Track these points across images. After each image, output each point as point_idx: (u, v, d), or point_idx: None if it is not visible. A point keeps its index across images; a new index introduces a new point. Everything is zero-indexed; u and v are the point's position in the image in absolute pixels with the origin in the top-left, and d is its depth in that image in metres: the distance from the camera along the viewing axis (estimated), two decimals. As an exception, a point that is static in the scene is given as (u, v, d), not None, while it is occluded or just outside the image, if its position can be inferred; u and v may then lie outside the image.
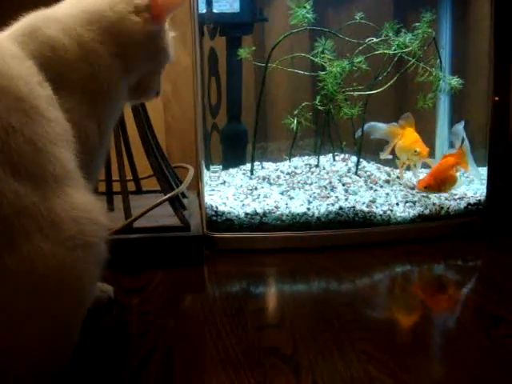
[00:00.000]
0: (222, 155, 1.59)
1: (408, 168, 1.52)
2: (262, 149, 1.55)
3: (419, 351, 0.90)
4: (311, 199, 1.39)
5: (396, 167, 1.54)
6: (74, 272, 0.74)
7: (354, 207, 1.37)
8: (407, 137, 1.48)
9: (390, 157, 1.51)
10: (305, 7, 1.34)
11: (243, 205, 1.38)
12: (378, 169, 1.52)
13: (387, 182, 1.47)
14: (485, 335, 0.93)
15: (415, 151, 1.46)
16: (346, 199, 1.39)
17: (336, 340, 0.92)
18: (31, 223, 0.70)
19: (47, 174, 0.73)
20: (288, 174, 1.48)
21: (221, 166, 1.59)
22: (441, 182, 1.42)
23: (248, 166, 1.53)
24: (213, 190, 1.46)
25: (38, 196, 0.72)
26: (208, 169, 1.45)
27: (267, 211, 1.35)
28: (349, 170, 1.48)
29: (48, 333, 0.74)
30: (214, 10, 1.45)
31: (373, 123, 1.49)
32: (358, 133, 1.50)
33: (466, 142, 1.43)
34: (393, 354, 0.88)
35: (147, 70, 0.94)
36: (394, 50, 1.37)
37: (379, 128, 1.50)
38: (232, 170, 1.55)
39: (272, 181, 1.46)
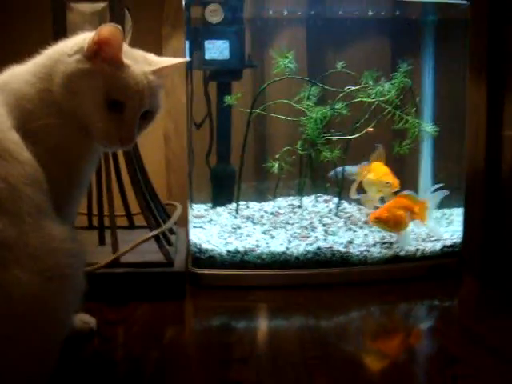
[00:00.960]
0: (211, 194, 1.65)
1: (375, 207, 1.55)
2: (248, 189, 1.61)
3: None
4: (291, 239, 1.45)
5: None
6: (50, 301, 0.81)
7: (331, 247, 1.43)
8: (376, 170, 1.51)
9: (359, 196, 1.55)
10: (287, 57, 1.43)
11: (226, 243, 1.44)
12: (359, 210, 1.58)
13: (366, 223, 1.53)
14: (440, 375, 0.98)
15: (387, 183, 1.49)
16: (325, 239, 1.45)
17: (297, 375, 0.98)
18: (9, 255, 0.77)
19: (22, 210, 0.81)
20: (271, 213, 1.55)
21: (210, 205, 1.65)
22: (392, 218, 1.44)
23: (235, 205, 1.59)
24: (200, 227, 1.53)
25: (15, 230, 0.79)
26: (191, 207, 1.51)
27: (248, 249, 1.42)
28: (330, 211, 1.54)
29: (23, 359, 0.79)
30: (206, 57, 1.53)
31: (346, 167, 1.54)
32: (331, 174, 1.56)
33: (436, 198, 1.47)
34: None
35: (85, 113, 0.91)
36: (373, 98, 1.44)
37: (352, 170, 1.54)
38: (219, 209, 1.61)
39: (255, 220, 1.53)
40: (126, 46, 0.96)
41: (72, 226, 1.00)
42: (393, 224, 1.45)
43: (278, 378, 0.97)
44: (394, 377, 1.00)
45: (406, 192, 1.48)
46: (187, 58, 1.01)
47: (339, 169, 1.54)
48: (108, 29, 0.90)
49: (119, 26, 0.90)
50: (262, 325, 1.26)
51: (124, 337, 1.16)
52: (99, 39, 0.90)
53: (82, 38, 0.94)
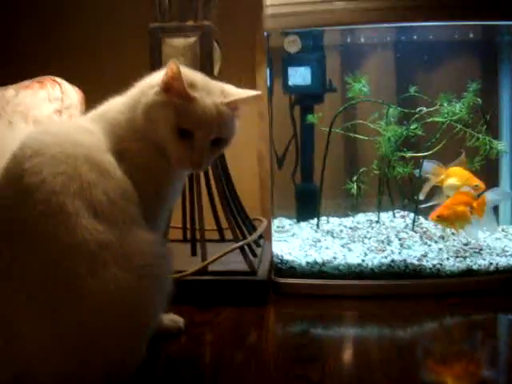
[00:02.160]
0: (295, 210, 1.77)
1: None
2: (330, 205, 1.71)
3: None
4: (367, 251, 1.54)
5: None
6: (141, 297, 0.96)
7: (405, 260, 1.50)
8: (459, 175, 1.55)
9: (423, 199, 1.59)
10: (360, 81, 1.53)
11: (306, 255, 1.55)
12: (436, 226, 1.64)
13: (442, 237, 1.59)
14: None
15: (476, 186, 1.53)
16: (400, 253, 1.52)
17: (359, 374, 1.07)
18: (108, 255, 0.92)
19: (118, 218, 0.96)
20: (350, 228, 1.64)
21: (295, 220, 1.77)
22: (453, 214, 1.49)
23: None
24: (285, 240, 1.65)
25: (113, 234, 0.94)
26: (273, 222, 1.63)
27: (326, 261, 1.52)
28: (406, 226, 1.62)
29: (116, 345, 0.94)
30: (289, 83, 1.65)
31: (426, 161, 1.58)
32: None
33: (495, 196, 1.52)
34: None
35: (161, 138, 1.04)
36: (445, 118, 1.51)
37: (426, 166, 1.58)
38: (302, 224, 1.73)
39: (335, 234, 1.63)
40: (204, 78, 1.09)
41: (161, 235, 1.16)
42: (454, 220, 1.50)
43: (342, 375, 1.08)
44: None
45: (464, 189, 1.53)
46: (259, 92, 1.11)
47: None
48: (171, 66, 1.02)
49: (177, 62, 1.01)
50: (336, 330, 1.35)
51: (209, 336, 1.29)
52: (168, 75, 1.03)
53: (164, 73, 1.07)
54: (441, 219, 1.52)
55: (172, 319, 1.27)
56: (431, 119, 1.53)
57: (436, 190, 1.61)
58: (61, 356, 0.90)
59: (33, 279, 0.90)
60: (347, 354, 1.20)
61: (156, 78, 1.08)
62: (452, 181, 1.57)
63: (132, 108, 1.07)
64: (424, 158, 1.55)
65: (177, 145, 1.04)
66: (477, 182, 1.55)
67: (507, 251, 1.56)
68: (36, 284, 0.90)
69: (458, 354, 1.21)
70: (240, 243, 1.51)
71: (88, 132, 1.04)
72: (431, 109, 1.54)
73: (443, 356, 1.20)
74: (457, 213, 1.51)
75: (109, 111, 1.09)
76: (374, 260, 1.51)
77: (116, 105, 1.10)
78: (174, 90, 1.03)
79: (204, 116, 1.03)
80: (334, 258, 1.52)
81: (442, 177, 1.57)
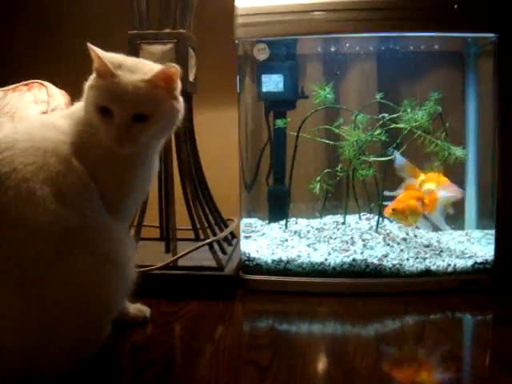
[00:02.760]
0: (268, 211, 1.84)
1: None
2: (299, 207, 1.78)
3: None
4: (331, 251, 1.61)
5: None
6: (104, 281, 1.04)
7: (365, 259, 1.57)
8: (438, 181, 1.58)
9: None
10: (325, 89, 1.61)
11: (272, 253, 1.62)
12: (399, 228, 1.71)
13: (404, 239, 1.66)
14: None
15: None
16: (362, 253, 1.59)
17: (310, 363, 1.15)
18: (74, 239, 1.01)
19: (84, 207, 1.05)
20: (317, 229, 1.71)
21: (266, 221, 1.84)
22: (407, 208, 1.54)
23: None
24: (250, 238, 1.72)
25: (79, 221, 1.02)
26: (241, 222, 1.71)
27: (291, 259, 1.59)
28: (370, 228, 1.69)
29: (79, 324, 1.01)
30: (263, 90, 1.73)
31: (399, 155, 1.61)
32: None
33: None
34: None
35: (91, 119, 1.09)
36: (407, 124, 1.59)
37: (399, 160, 1.60)
38: (273, 224, 1.79)
39: (302, 234, 1.70)
40: (137, 61, 1.13)
41: (127, 225, 1.25)
42: (409, 214, 1.55)
43: (291, 362, 1.14)
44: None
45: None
46: (175, 65, 1.11)
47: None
48: (91, 51, 1.07)
49: (95, 47, 1.06)
50: (294, 323, 1.41)
51: (174, 326, 1.36)
52: (94, 59, 1.08)
53: None
54: (395, 213, 1.56)
55: (138, 309, 1.34)
56: (393, 125, 1.60)
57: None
58: (27, 333, 0.98)
59: (3, 259, 0.97)
60: (301, 344, 1.26)
61: None
62: (429, 186, 1.59)
63: None
64: (388, 161, 1.62)
65: (101, 123, 1.08)
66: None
67: (466, 253, 1.62)
68: (7, 263, 0.97)
69: (413, 351, 1.25)
70: (208, 240, 1.58)
71: (55, 128, 1.11)
72: (394, 115, 1.61)
73: (399, 352, 1.25)
74: (410, 206, 1.55)
75: (75, 110, 1.17)
76: (336, 259, 1.58)
77: (81, 103, 1.18)
78: (101, 72, 1.07)
79: (119, 92, 1.06)
80: (299, 256, 1.59)
81: (420, 180, 1.60)
